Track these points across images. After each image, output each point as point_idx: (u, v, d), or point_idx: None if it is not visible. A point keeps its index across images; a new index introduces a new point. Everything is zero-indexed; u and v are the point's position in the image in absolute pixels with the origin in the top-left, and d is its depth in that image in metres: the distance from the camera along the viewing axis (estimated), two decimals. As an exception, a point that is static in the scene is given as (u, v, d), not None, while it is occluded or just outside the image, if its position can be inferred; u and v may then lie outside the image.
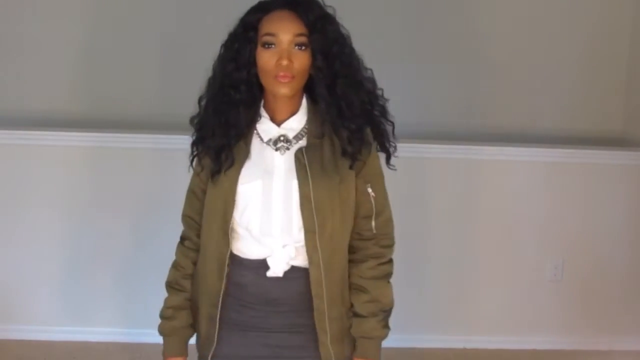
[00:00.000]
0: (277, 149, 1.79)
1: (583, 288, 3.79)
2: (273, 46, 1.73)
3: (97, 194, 3.64)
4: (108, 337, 3.63)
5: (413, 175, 3.63)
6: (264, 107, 1.82)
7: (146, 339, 3.59)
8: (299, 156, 1.77)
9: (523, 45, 4.03)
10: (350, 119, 1.78)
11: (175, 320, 1.91)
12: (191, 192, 1.92)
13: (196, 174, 1.89)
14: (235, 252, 1.82)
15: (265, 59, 1.73)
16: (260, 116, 1.82)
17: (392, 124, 1.87)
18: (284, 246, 1.78)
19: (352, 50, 1.81)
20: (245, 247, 1.81)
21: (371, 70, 1.83)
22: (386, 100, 1.86)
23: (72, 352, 3.54)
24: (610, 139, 4.03)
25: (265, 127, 1.81)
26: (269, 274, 1.79)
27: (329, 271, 1.79)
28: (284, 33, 1.73)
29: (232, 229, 1.81)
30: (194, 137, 1.86)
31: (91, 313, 3.67)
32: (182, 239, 1.96)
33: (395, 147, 1.89)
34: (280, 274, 1.79)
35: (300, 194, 1.76)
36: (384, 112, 1.85)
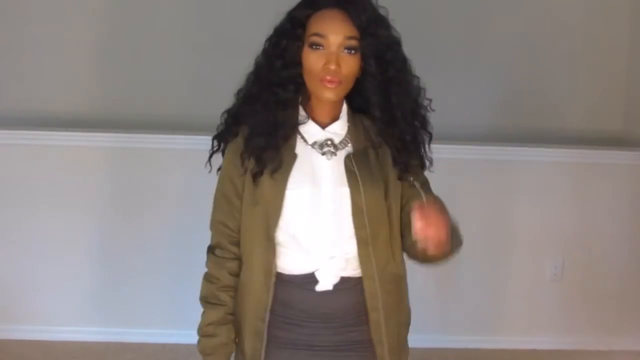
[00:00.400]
0: (323, 154, 1.70)
1: (583, 288, 3.79)
2: (321, 48, 1.64)
3: (98, 194, 3.64)
4: (108, 337, 3.63)
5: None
6: (303, 107, 1.74)
7: (146, 339, 3.59)
8: (347, 163, 1.69)
9: (522, 46, 4.03)
10: (404, 129, 1.71)
11: (217, 337, 1.77)
12: (222, 196, 1.78)
13: (227, 178, 1.76)
14: (279, 270, 1.71)
15: (313, 60, 1.65)
16: (305, 117, 1.72)
17: (430, 135, 1.80)
18: (331, 258, 1.69)
19: (405, 56, 1.73)
20: (290, 262, 1.71)
21: (419, 78, 1.76)
22: (432, 110, 1.78)
23: (72, 352, 3.54)
24: (610, 139, 4.03)
25: (309, 129, 1.72)
26: (318, 288, 1.70)
27: (384, 282, 1.71)
28: (334, 35, 1.64)
29: (277, 242, 1.70)
30: (219, 130, 1.77)
31: (91, 313, 3.67)
32: (213, 247, 1.80)
33: (431, 162, 1.82)
34: (330, 287, 1.70)
35: (352, 203, 1.67)
36: (424, 123, 1.78)
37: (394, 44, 1.70)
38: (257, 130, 1.70)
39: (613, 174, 3.76)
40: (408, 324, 1.84)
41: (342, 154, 1.71)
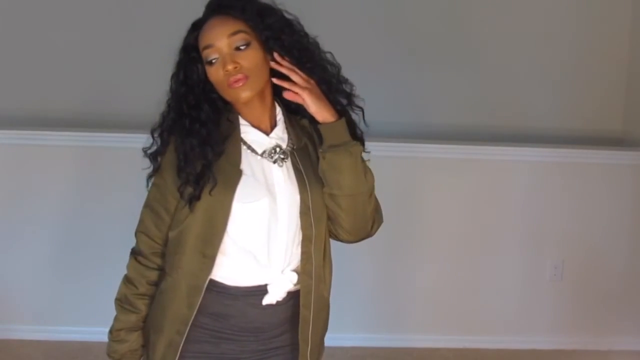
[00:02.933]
0: (274, 161, 1.68)
1: (583, 288, 3.79)
2: (216, 58, 1.63)
3: (98, 194, 3.63)
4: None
5: (412, 175, 3.64)
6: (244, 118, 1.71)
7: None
8: (293, 160, 1.69)
9: (523, 45, 4.03)
10: (335, 102, 1.68)
11: (126, 343, 1.77)
12: (149, 208, 1.74)
13: (159, 192, 1.73)
14: (220, 279, 1.67)
15: (213, 73, 1.63)
16: (239, 126, 1.69)
17: (361, 109, 1.73)
18: (282, 271, 1.67)
19: (305, 34, 1.69)
20: (238, 272, 1.67)
21: (331, 53, 1.71)
22: (352, 86, 1.72)
23: (72, 352, 3.54)
24: (610, 139, 4.03)
25: (254, 138, 1.69)
26: (266, 301, 1.67)
27: (319, 281, 1.70)
28: (218, 39, 1.62)
29: (223, 254, 1.66)
30: (154, 148, 1.73)
31: (91, 313, 3.67)
32: (135, 253, 1.78)
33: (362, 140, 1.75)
34: (274, 302, 1.68)
35: (301, 201, 1.66)
36: (350, 97, 1.72)
37: (285, 26, 1.67)
38: (187, 157, 1.65)
39: (613, 174, 3.77)
40: (327, 323, 1.83)
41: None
